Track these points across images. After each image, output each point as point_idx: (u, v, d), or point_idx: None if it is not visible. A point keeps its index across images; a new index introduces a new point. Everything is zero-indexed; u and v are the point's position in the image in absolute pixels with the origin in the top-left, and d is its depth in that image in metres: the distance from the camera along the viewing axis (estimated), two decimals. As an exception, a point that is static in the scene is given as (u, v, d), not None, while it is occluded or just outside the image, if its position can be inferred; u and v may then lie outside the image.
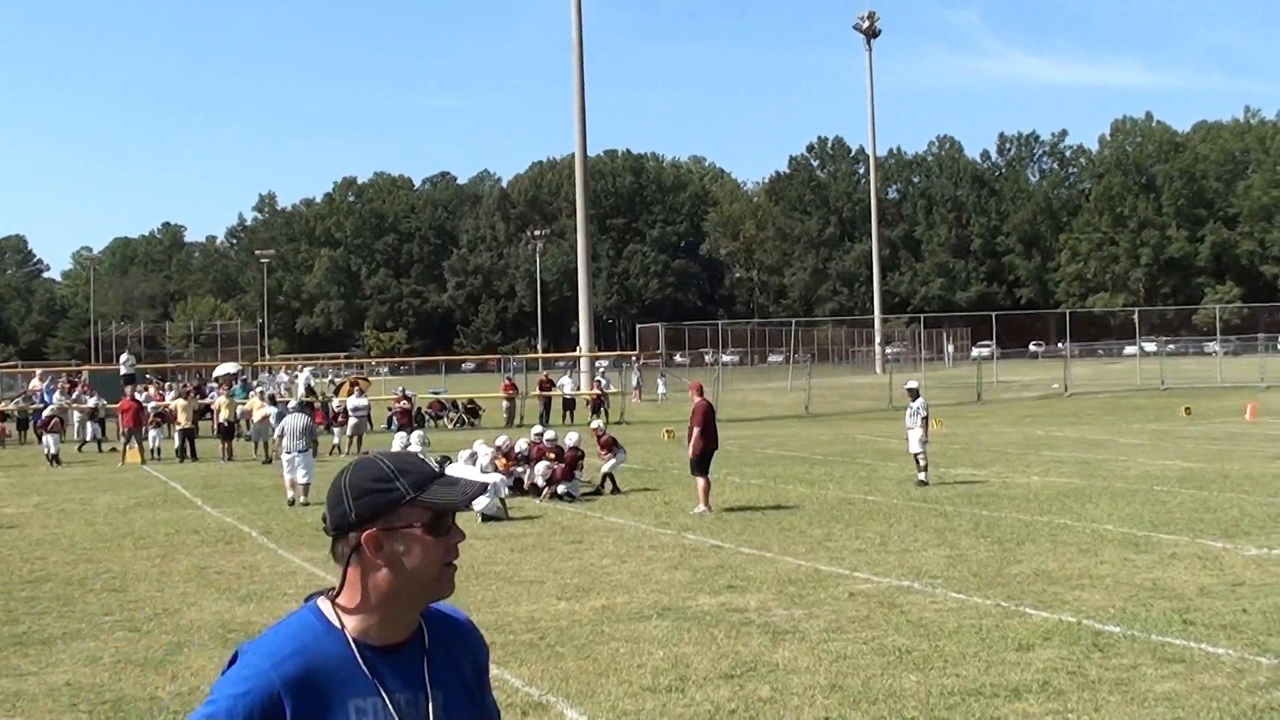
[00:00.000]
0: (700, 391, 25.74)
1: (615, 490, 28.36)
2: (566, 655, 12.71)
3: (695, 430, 24.23)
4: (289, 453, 28.07)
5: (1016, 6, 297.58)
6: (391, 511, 3.40)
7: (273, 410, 39.24)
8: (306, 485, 27.71)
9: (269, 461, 37.71)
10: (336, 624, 3.37)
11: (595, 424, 31.50)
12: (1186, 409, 52.15)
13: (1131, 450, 35.71)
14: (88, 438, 48.64)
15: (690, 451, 24.30)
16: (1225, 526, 20.16)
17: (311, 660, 3.25)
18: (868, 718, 10.32)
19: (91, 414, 49.56)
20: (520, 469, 28.04)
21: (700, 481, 24.17)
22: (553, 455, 28.19)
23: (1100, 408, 58.67)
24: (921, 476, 27.63)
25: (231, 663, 3.28)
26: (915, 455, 28.10)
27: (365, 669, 3.26)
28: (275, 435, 31.36)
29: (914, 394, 28.90)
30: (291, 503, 27.48)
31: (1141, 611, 14.01)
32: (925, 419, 28.18)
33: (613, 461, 29.00)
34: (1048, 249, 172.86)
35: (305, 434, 28.36)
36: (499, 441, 29.16)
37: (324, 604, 3.46)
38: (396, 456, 3.52)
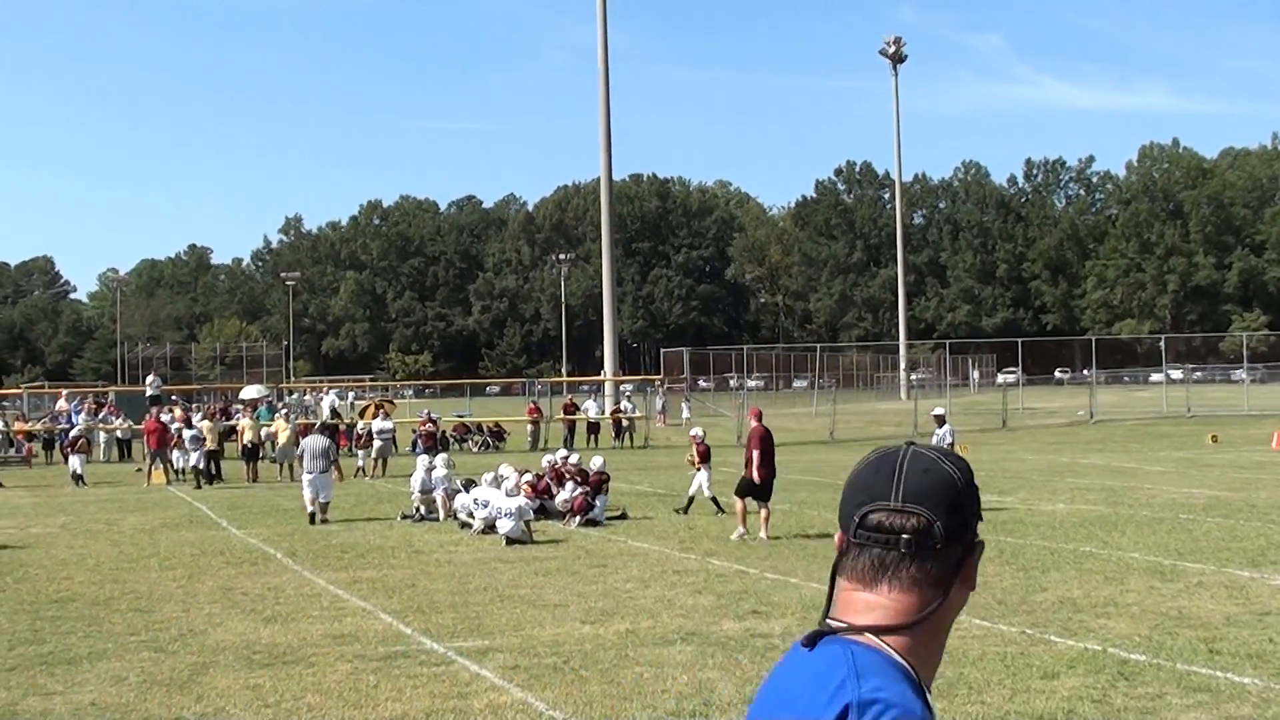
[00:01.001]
0: (759, 418, 25.36)
1: (686, 510, 28.59)
2: (590, 679, 12.72)
3: (755, 454, 24.01)
4: (309, 473, 28.78)
5: (1043, 31, 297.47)
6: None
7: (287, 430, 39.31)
8: (325, 504, 28.49)
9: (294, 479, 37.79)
10: (901, 663, 2.56)
11: (695, 432, 30.99)
12: (1213, 437, 51.98)
13: (1157, 478, 35.61)
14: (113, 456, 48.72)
15: (754, 474, 23.98)
16: (1252, 555, 20.10)
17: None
18: (892, 744, 10.28)
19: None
20: (547, 497, 28.02)
21: (739, 504, 24.02)
22: (578, 479, 28.22)
23: (1126, 435, 58.51)
24: None
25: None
26: None
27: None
28: (296, 456, 31.58)
29: (940, 420, 28.87)
30: (312, 519, 28.05)
31: (1167, 640, 13.97)
32: (951, 445, 28.05)
33: (703, 477, 28.77)
34: (1074, 275, 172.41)
35: (323, 455, 29.02)
36: (526, 478, 29.09)
37: (871, 639, 2.58)
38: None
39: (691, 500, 28.93)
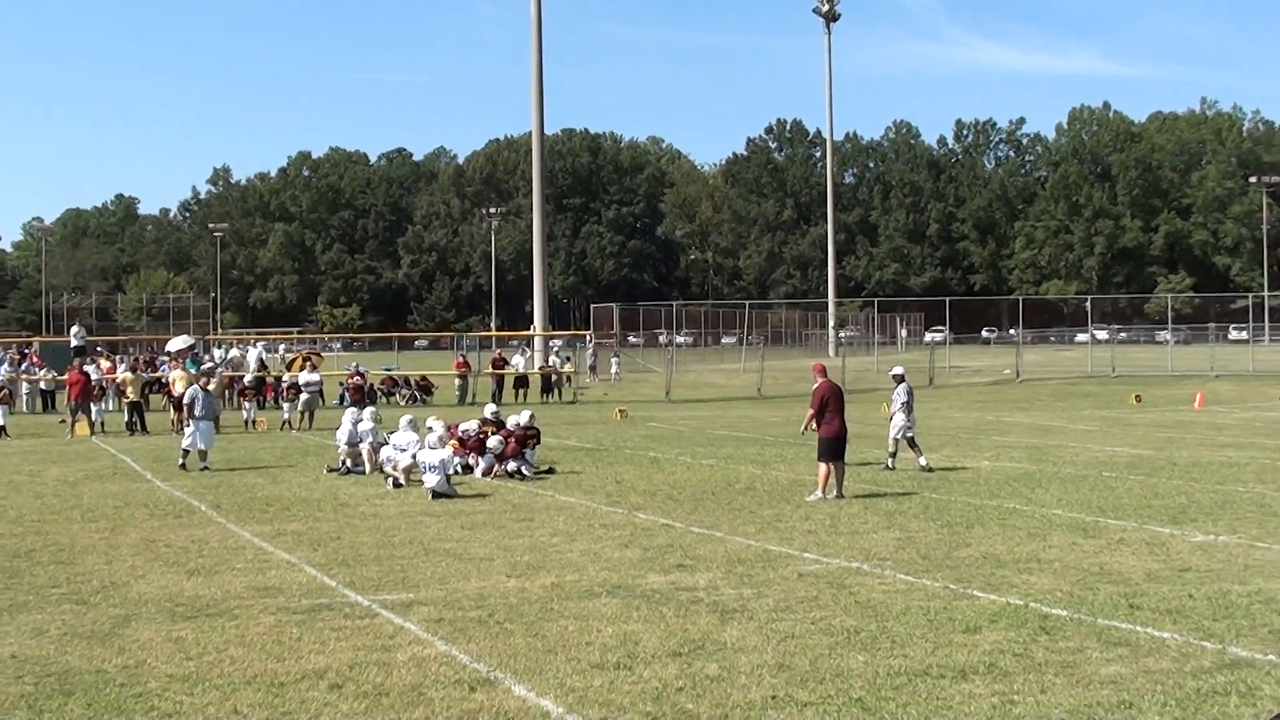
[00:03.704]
0: (824, 373, 24.34)
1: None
2: (515, 632, 12.70)
3: (812, 411, 23.27)
4: (199, 420, 30.09)
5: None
6: None
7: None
8: (205, 452, 29.88)
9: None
10: None
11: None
12: (1137, 397, 52.46)
13: (1081, 436, 35.92)
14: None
15: (821, 431, 23.04)
16: (1173, 513, 20.30)
17: None
18: (815, 697, 10.35)
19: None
20: (471, 457, 27.93)
21: (824, 468, 22.95)
22: (504, 433, 28.17)
23: (1051, 394, 58.94)
24: (889, 462, 27.46)
25: None
26: (892, 439, 27.70)
27: None
28: (186, 405, 31.91)
29: (899, 379, 28.07)
30: (185, 466, 29.48)
31: (1088, 595, 14.09)
32: (908, 404, 27.89)
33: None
34: (1003, 236, 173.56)
35: (207, 405, 30.65)
36: (467, 426, 29.09)
37: None
38: None
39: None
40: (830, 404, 23.28)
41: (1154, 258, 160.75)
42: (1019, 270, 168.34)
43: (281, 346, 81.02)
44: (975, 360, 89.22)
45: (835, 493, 22.83)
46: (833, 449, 23.02)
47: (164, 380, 47.36)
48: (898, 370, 28.96)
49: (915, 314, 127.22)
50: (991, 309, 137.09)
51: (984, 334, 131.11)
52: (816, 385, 23.80)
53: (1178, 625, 12.64)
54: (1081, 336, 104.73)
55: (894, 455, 27.61)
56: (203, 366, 47.29)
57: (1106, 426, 39.71)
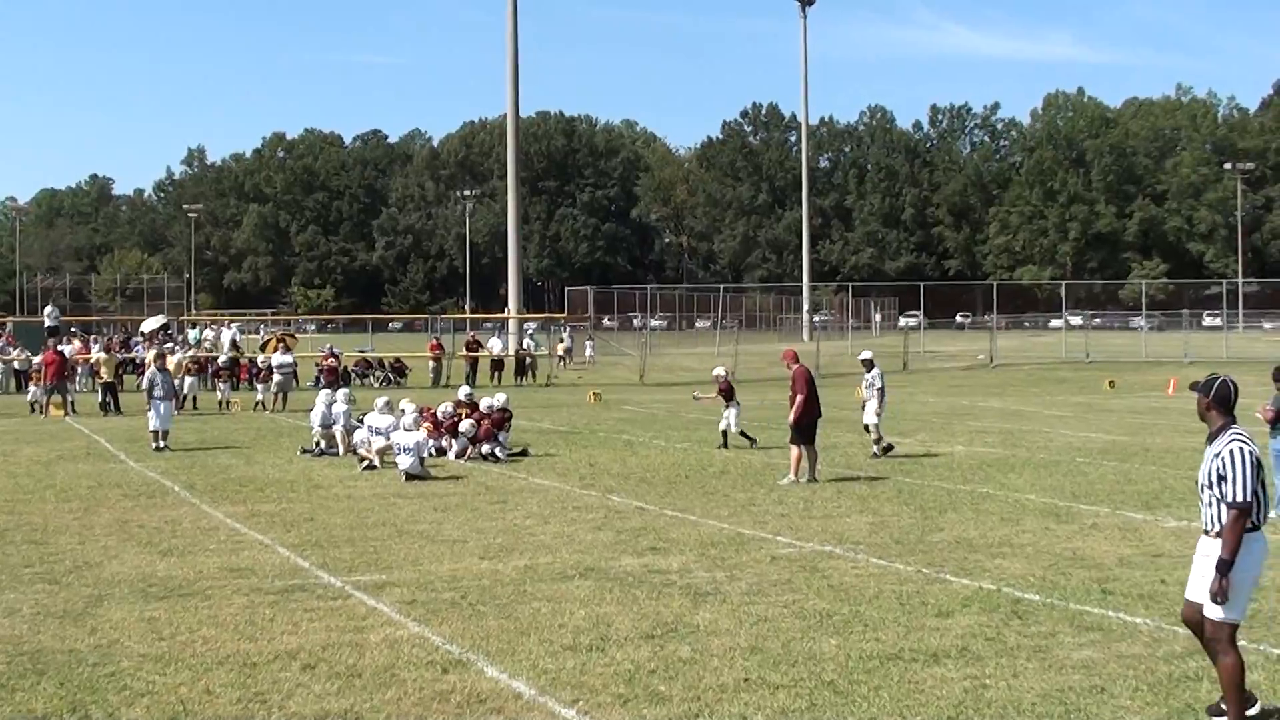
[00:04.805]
0: (796, 359, 24.52)
1: (724, 445, 29.01)
2: (488, 614, 12.71)
3: (799, 397, 23.16)
4: (158, 400, 30.40)
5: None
6: None
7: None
8: (165, 433, 30.24)
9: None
10: None
11: (718, 371, 31.09)
12: (1110, 382, 52.62)
13: (1055, 422, 36.02)
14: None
15: (792, 417, 23.15)
16: (1146, 499, 20.37)
17: None
18: (787, 680, 10.37)
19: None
20: (445, 439, 27.92)
21: (795, 451, 23.10)
22: (477, 415, 28.16)
23: (1025, 379, 59.10)
24: (875, 450, 27.17)
25: None
26: (867, 426, 27.47)
27: None
28: (145, 386, 32.13)
29: (869, 365, 28.00)
30: (157, 446, 29.71)
31: (1061, 580, 14.14)
32: (881, 390, 27.70)
33: (731, 413, 29.36)
34: (977, 221, 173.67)
35: (166, 385, 31.14)
36: (444, 408, 29.10)
37: None
38: None
39: (725, 435, 29.23)
40: (813, 388, 23.47)
41: (1128, 244, 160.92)
42: (993, 256, 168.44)
43: (262, 328, 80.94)
44: (949, 345, 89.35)
45: (808, 476, 22.88)
46: (805, 433, 23.11)
47: (138, 361, 47.27)
48: (865, 355, 28.86)
49: (890, 299, 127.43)
50: (966, 294, 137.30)
51: (958, 319, 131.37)
52: (795, 370, 23.81)
53: (1150, 610, 12.68)
54: (1056, 322, 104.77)
55: (879, 441, 27.44)
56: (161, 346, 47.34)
57: (1080, 412, 39.83)
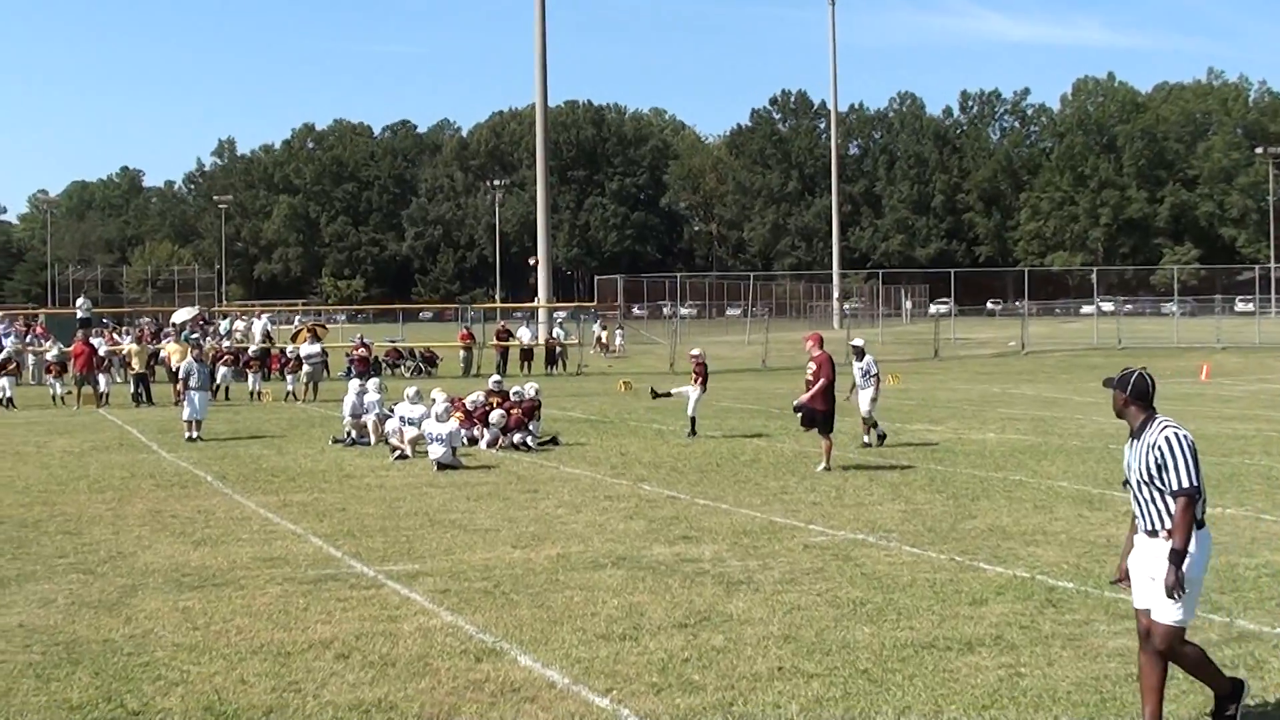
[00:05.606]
0: (821, 344, 23.92)
1: (693, 433, 29.07)
2: (521, 603, 12.71)
3: (824, 382, 22.92)
4: (194, 391, 30.49)
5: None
6: None
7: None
8: (199, 422, 30.24)
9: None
10: None
11: (695, 351, 31.10)
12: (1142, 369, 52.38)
13: (1087, 408, 35.89)
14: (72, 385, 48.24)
15: (819, 403, 22.89)
16: (1179, 486, 20.23)
17: None
18: (821, 669, 10.35)
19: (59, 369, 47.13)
20: (476, 429, 27.94)
21: (826, 441, 22.97)
22: (508, 404, 28.18)
23: (1056, 366, 58.95)
24: (866, 439, 26.84)
25: None
26: (865, 416, 27.12)
27: None
28: (182, 377, 32.18)
29: (859, 352, 27.45)
30: (191, 437, 29.80)
31: (1095, 568, 14.08)
32: (877, 377, 27.36)
33: (694, 396, 29.52)
34: (1008, 207, 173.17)
35: (202, 375, 31.28)
36: (474, 397, 29.10)
37: None
38: None
39: (694, 422, 29.32)
40: (832, 375, 23.33)
41: (1160, 229, 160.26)
42: (1024, 242, 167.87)
43: (296, 318, 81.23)
44: (980, 332, 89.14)
45: (824, 465, 22.91)
46: (828, 422, 23.08)
47: (162, 355, 47.40)
48: (857, 341, 28.37)
49: (920, 286, 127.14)
50: (997, 281, 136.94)
51: (989, 306, 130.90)
52: (820, 355, 23.39)
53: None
54: (1087, 308, 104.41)
55: (875, 427, 27.12)
56: (189, 336, 47.48)
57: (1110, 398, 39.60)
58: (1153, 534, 8.61)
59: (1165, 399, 37.82)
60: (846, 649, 10.91)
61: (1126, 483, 8.90)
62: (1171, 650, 8.64)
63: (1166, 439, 8.61)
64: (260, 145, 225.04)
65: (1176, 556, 8.34)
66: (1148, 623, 8.72)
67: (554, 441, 28.00)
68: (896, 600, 12.62)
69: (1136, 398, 8.96)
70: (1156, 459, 8.58)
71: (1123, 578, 9.08)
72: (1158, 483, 8.54)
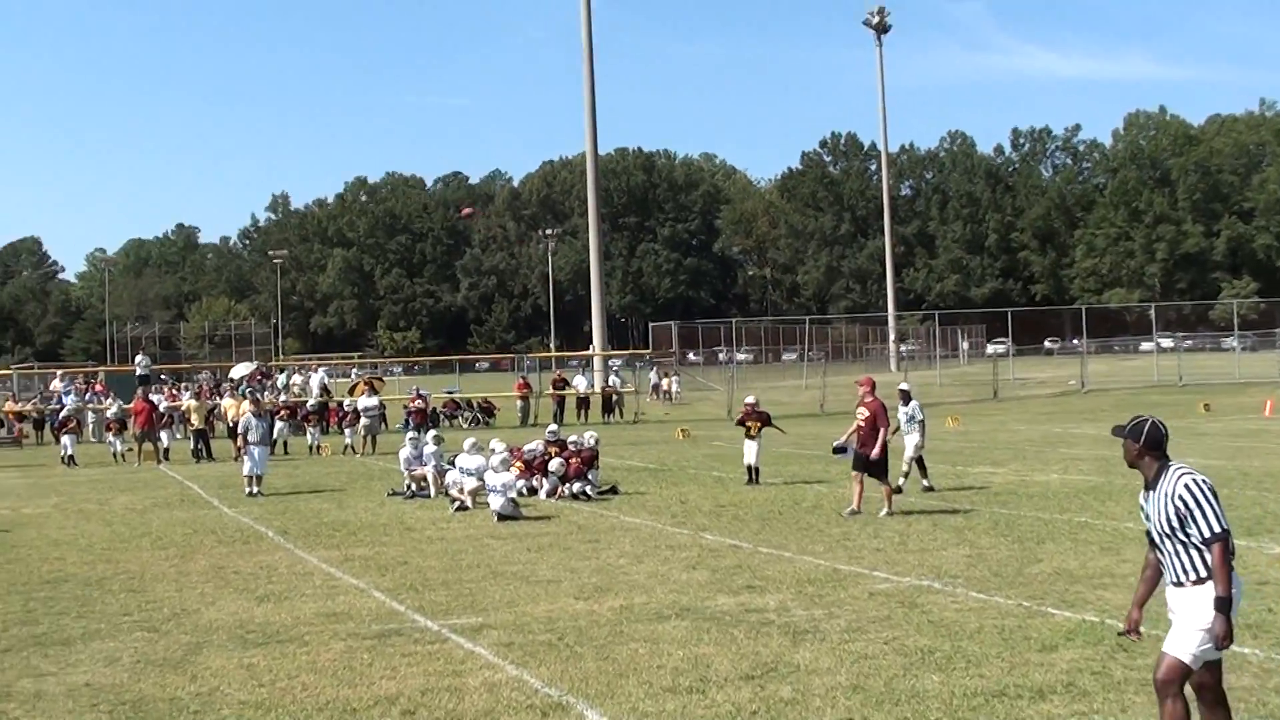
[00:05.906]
0: (874, 389, 23.81)
1: (753, 480, 28.95)
2: (586, 656, 12.64)
3: (883, 433, 22.92)
4: (253, 446, 30.58)
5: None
6: None
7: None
8: (260, 477, 30.27)
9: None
10: None
11: (749, 399, 30.93)
12: (1205, 405, 52.03)
13: (1149, 447, 35.51)
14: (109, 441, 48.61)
15: (877, 451, 22.80)
16: (1247, 525, 20.01)
17: None
18: (890, 719, 10.24)
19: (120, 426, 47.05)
20: (536, 479, 27.91)
21: (886, 486, 23.03)
22: (567, 453, 28.16)
23: (1117, 404, 58.52)
24: (902, 483, 26.16)
25: None
26: (918, 460, 26.86)
27: None
28: (240, 433, 32.41)
29: (905, 397, 27.10)
30: (251, 492, 29.88)
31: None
32: (923, 423, 27.00)
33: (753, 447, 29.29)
34: (1062, 244, 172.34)
35: (260, 431, 31.22)
36: (531, 447, 29.16)
37: None
38: None
39: (752, 470, 29.18)
40: (887, 422, 23.31)
41: (1217, 263, 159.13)
42: (1080, 279, 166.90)
43: (353, 371, 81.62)
44: (1039, 372, 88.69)
45: (852, 508, 22.90)
46: (881, 467, 23.04)
47: (218, 411, 47.71)
48: (903, 385, 28.13)
49: (976, 326, 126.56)
50: (1054, 319, 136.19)
51: (1047, 344, 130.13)
52: (873, 403, 23.29)
53: (1258, 641, 12.44)
54: (1146, 345, 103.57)
55: (906, 475, 26.70)
56: (246, 390, 47.80)
57: (1175, 436, 38.99)
58: (1179, 585, 8.50)
59: (1230, 436, 37.57)
60: (916, 698, 10.79)
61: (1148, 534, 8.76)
62: (1168, 685, 8.50)
63: (1186, 487, 8.45)
64: (314, 199, 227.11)
65: (1222, 604, 8.24)
66: (1199, 676, 8.51)
67: (613, 490, 27.97)
68: (965, 648, 12.49)
69: (1151, 447, 8.87)
70: (1179, 510, 8.43)
71: (1132, 628, 8.97)
72: (1180, 535, 8.44)
